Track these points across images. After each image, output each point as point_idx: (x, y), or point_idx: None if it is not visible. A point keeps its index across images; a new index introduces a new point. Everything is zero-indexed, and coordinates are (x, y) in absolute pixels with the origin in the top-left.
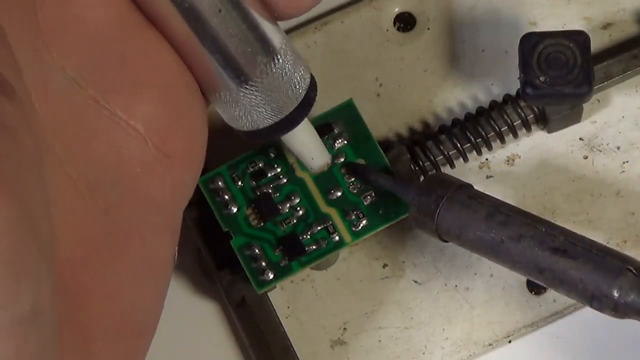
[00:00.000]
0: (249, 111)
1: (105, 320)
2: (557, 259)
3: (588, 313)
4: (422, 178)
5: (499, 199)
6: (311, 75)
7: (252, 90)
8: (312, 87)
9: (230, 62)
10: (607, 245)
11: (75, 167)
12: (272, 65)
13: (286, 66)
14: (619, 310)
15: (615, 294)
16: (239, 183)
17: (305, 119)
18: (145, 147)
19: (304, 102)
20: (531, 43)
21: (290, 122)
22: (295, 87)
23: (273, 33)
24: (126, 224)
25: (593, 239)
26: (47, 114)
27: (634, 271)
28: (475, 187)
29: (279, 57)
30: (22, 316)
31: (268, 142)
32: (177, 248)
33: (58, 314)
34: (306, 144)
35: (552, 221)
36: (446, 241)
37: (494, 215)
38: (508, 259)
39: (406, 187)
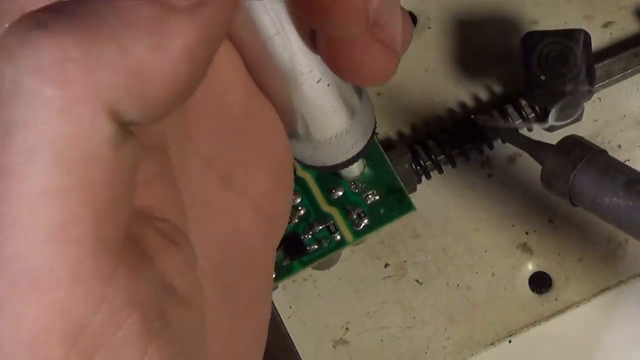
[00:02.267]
0: (327, 154)
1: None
2: None
3: (588, 312)
4: (423, 177)
5: (637, 170)
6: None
7: (334, 141)
8: (374, 120)
9: (321, 122)
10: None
11: (200, 245)
12: (359, 105)
13: (364, 108)
14: None
15: None
16: None
17: None
18: (257, 217)
19: (370, 138)
20: (532, 42)
21: (355, 158)
22: (368, 127)
23: (352, 93)
24: (240, 294)
25: (594, 238)
26: (183, 193)
27: None
28: (477, 186)
29: (358, 110)
30: None
31: None
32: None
33: None
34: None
35: (554, 219)
36: (576, 205)
37: (633, 184)
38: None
39: (541, 146)
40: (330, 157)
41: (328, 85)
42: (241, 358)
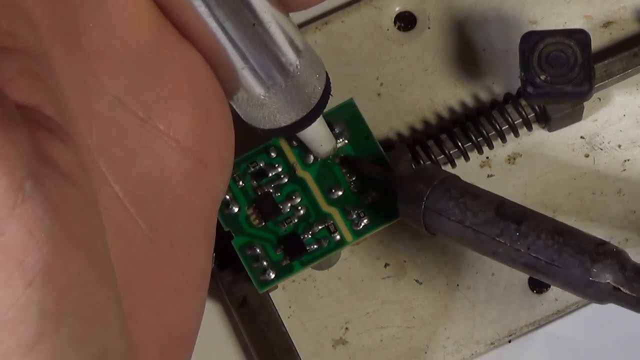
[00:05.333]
0: (272, 113)
1: (155, 335)
2: (530, 272)
3: (589, 312)
4: None
5: (484, 191)
6: (326, 72)
7: (278, 94)
8: (328, 83)
9: (260, 70)
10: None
11: (121, 184)
12: (297, 68)
13: (307, 67)
14: (601, 300)
15: (591, 293)
16: (240, 183)
17: None
18: (185, 158)
19: (322, 99)
20: (532, 42)
21: (309, 119)
22: (315, 85)
23: (296, 36)
24: (171, 237)
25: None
26: (92, 135)
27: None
28: (477, 186)
29: (301, 60)
30: (93, 358)
31: (275, 138)
32: (214, 254)
33: (127, 344)
34: (317, 133)
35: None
36: (433, 234)
37: (484, 208)
38: (491, 256)
39: (393, 176)
40: (282, 115)
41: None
42: (163, 304)
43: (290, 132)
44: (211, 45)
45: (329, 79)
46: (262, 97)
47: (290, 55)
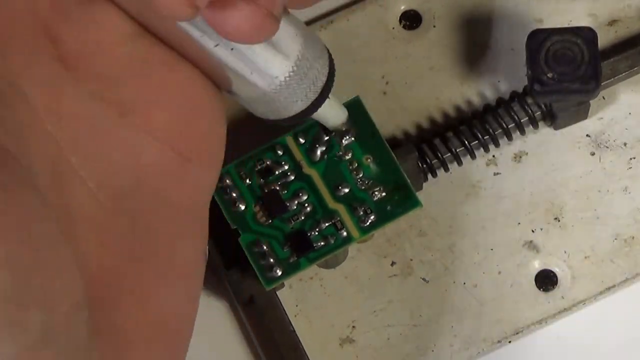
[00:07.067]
0: (283, 105)
1: (140, 326)
2: None
3: (590, 313)
4: (429, 175)
5: None
6: (328, 52)
7: (283, 87)
8: (331, 62)
9: (257, 73)
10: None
11: (96, 178)
12: (298, 58)
13: (308, 55)
14: None
15: None
16: (247, 180)
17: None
18: (164, 152)
19: (328, 80)
20: (539, 39)
21: (318, 101)
22: (318, 69)
23: (292, 28)
24: (152, 229)
25: (600, 235)
26: (61, 131)
27: None
28: (483, 184)
29: (300, 50)
30: (33, 342)
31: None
32: (207, 246)
33: (89, 326)
34: (328, 111)
35: (560, 217)
36: None
37: None
38: None
39: None
40: (293, 104)
41: (232, 49)
42: (147, 296)
43: (305, 116)
44: (203, 61)
45: (331, 58)
46: (269, 93)
47: (287, 49)
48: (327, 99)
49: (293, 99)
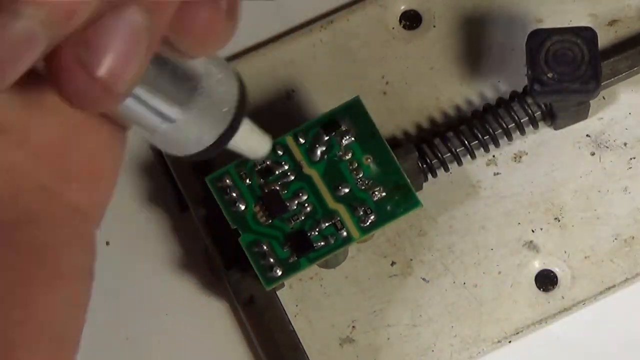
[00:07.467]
0: (190, 138)
1: (25, 328)
2: None
3: (590, 313)
4: (429, 175)
5: None
6: (239, 79)
7: (185, 119)
8: (242, 88)
9: (155, 104)
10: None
11: None
12: (198, 91)
13: (212, 85)
14: None
15: None
16: (247, 180)
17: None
18: (40, 169)
19: (238, 106)
20: (539, 39)
21: (232, 130)
22: (226, 99)
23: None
24: (30, 238)
25: (600, 235)
26: None
27: None
28: (483, 184)
29: (202, 82)
30: None
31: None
32: (94, 264)
33: None
34: (247, 140)
35: (560, 217)
36: None
37: None
38: None
39: None
40: (204, 134)
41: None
42: (30, 299)
43: (219, 148)
44: None
45: (242, 84)
46: (173, 127)
47: (186, 83)
48: (243, 127)
49: (196, 134)
